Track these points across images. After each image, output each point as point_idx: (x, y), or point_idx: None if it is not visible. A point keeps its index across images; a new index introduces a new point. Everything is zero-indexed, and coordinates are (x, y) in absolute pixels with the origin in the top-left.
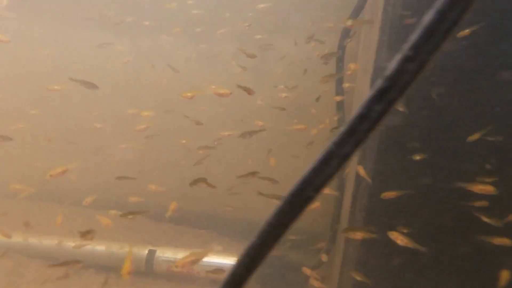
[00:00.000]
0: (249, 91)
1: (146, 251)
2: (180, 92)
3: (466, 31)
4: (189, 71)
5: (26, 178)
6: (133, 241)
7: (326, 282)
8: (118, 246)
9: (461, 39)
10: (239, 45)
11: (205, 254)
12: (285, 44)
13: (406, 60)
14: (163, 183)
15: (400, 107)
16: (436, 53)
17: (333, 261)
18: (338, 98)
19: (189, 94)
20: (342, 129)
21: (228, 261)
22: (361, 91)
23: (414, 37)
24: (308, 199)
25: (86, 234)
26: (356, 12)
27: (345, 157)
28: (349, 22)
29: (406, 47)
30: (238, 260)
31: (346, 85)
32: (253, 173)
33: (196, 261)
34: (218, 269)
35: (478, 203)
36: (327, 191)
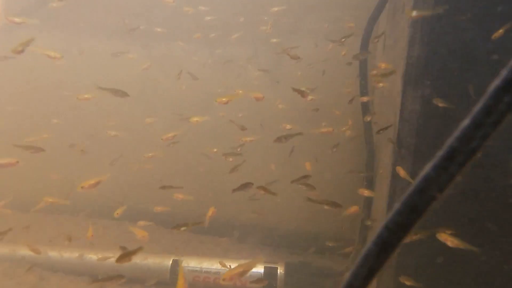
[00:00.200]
0: (303, 94)
1: (170, 261)
2: (197, 98)
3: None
4: (206, 77)
5: (46, 190)
6: (154, 251)
7: None
8: (141, 257)
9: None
10: (255, 49)
11: (252, 266)
12: (301, 46)
13: None
14: (183, 191)
15: (440, 102)
16: None
17: None
18: (365, 99)
19: (224, 99)
20: (466, 122)
21: (252, 269)
22: (390, 90)
23: None
24: (431, 200)
25: (131, 253)
26: (378, 11)
27: (472, 153)
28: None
29: None
30: (353, 270)
31: (380, 84)
32: (305, 177)
33: (244, 273)
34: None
35: None
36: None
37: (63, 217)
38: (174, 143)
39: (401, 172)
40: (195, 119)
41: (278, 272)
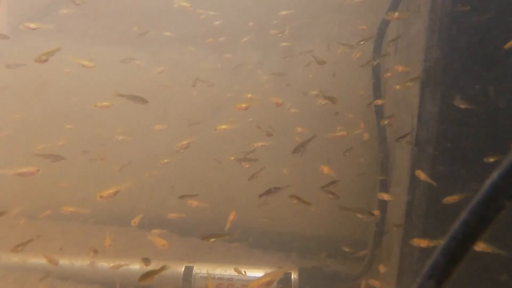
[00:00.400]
0: (332, 100)
1: (183, 268)
2: (207, 103)
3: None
4: (215, 82)
5: (54, 198)
6: (166, 258)
7: None
8: (153, 264)
9: None
10: (264, 54)
11: (279, 274)
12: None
13: None
14: (197, 197)
15: (461, 103)
16: None
17: (381, 269)
18: (379, 102)
19: (243, 105)
20: None
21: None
22: (404, 93)
23: None
24: (499, 209)
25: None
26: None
27: None
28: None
29: None
30: (420, 281)
31: (397, 86)
32: (334, 182)
33: (271, 282)
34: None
35: None
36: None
37: (71, 225)
38: (184, 150)
39: (422, 175)
40: (222, 126)
41: (292, 277)
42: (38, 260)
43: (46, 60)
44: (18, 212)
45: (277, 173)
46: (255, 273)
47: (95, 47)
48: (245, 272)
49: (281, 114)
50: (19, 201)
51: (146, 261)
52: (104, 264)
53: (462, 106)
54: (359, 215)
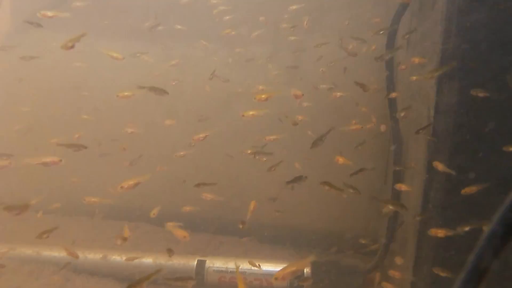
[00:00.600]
0: (364, 88)
1: (195, 262)
2: (218, 98)
3: None
4: (226, 77)
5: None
6: (178, 252)
7: (395, 283)
8: (165, 258)
9: None
10: (273, 48)
11: (304, 265)
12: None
13: None
14: (211, 190)
15: (480, 92)
16: None
17: (397, 261)
18: (394, 95)
19: (263, 96)
20: None
21: (278, 268)
22: (419, 85)
23: None
24: None
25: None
26: (404, 7)
27: None
28: None
29: None
30: (478, 251)
31: (413, 78)
32: (362, 170)
33: (297, 271)
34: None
35: None
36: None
37: (80, 219)
38: (198, 143)
39: (440, 166)
40: (250, 113)
41: (305, 271)
42: (53, 253)
43: (72, 47)
44: (33, 206)
45: (290, 167)
46: (267, 267)
47: (105, 41)
48: (259, 265)
49: (293, 108)
50: (30, 195)
51: (170, 251)
52: (117, 258)
53: (481, 95)
54: (390, 207)
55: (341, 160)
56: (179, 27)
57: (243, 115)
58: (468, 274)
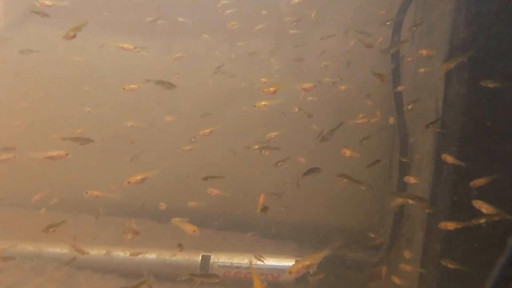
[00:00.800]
0: (382, 78)
1: (200, 257)
2: (221, 93)
3: None
4: (229, 71)
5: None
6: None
7: (402, 277)
8: (169, 253)
9: None
10: (276, 42)
11: (317, 259)
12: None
13: None
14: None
15: (490, 83)
16: None
17: (406, 254)
18: (400, 88)
19: (271, 89)
20: None
21: (283, 263)
22: (425, 77)
23: None
24: None
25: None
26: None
27: None
28: None
29: None
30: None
31: (421, 70)
32: (378, 161)
33: (311, 265)
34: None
35: None
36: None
37: (82, 216)
38: (193, 140)
39: (449, 158)
40: (262, 103)
41: None
42: (55, 249)
43: (74, 36)
44: (35, 202)
45: (294, 161)
46: (271, 262)
47: (105, 35)
48: (262, 259)
49: (296, 102)
50: (32, 192)
51: (180, 246)
52: (120, 254)
53: (491, 86)
54: (411, 201)
55: (348, 152)
56: (181, 19)
57: (254, 106)
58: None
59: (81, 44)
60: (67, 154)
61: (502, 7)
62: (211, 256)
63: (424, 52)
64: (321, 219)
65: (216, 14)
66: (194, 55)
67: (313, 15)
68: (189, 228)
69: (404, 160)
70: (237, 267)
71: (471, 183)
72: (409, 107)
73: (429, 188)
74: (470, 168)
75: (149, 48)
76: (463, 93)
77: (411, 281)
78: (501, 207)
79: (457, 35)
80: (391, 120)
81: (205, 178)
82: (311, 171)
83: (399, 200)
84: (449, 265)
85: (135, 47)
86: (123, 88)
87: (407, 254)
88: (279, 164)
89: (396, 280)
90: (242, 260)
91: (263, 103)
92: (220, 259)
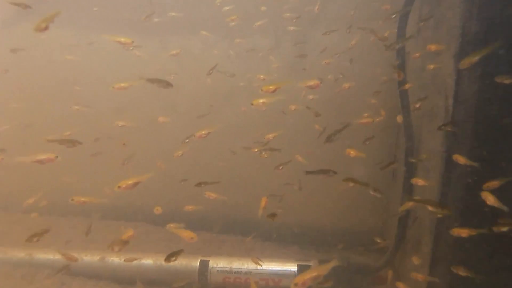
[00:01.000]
0: (399, 74)
1: (198, 262)
2: (219, 92)
3: None
4: (228, 70)
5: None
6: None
7: (410, 283)
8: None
9: None
10: (275, 39)
11: (325, 270)
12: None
13: None
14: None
15: (505, 79)
16: None
17: (410, 260)
18: (407, 86)
19: (271, 87)
20: None
21: (285, 267)
22: (433, 74)
23: None
24: None
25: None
26: None
27: None
28: None
29: None
30: None
31: (431, 66)
32: (392, 163)
33: (318, 277)
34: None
35: None
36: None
37: (77, 220)
38: (186, 142)
39: (461, 159)
40: (260, 100)
41: None
42: (47, 255)
43: (46, 28)
44: (26, 207)
45: (296, 162)
46: (272, 266)
47: (98, 34)
48: (260, 261)
49: (296, 101)
50: (23, 196)
51: (176, 255)
52: (115, 260)
53: (507, 82)
54: (430, 208)
55: (353, 153)
56: (173, 14)
57: (252, 104)
58: None
59: (74, 42)
60: (57, 157)
61: None
62: (210, 261)
63: (432, 47)
64: (324, 221)
65: (214, 10)
66: (190, 53)
67: (316, 7)
68: (187, 235)
69: (411, 160)
70: (237, 272)
71: (485, 186)
72: (417, 105)
73: (438, 190)
74: (483, 169)
75: (144, 46)
76: (475, 90)
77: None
78: None
79: (469, 28)
80: (399, 118)
81: (198, 184)
82: (319, 172)
83: (409, 204)
84: (460, 273)
85: (133, 42)
86: (113, 87)
87: (415, 260)
88: (280, 167)
89: (402, 286)
90: (242, 265)
91: (261, 100)
92: (219, 264)
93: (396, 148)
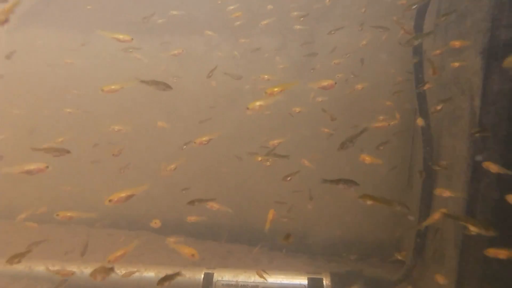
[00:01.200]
0: (435, 71)
1: (202, 275)
2: (223, 95)
3: None
4: (233, 71)
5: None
6: (183, 264)
7: None
8: (168, 271)
9: None
10: (282, 39)
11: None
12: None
13: None
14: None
15: None
16: None
17: (439, 279)
18: (427, 86)
19: (275, 89)
20: None
21: (294, 281)
22: (456, 72)
23: None
24: None
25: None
26: None
27: None
28: None
29: None
30: None
31: (456, 64)
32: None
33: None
34: None
35: None
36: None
37: (79, 228)
38: (184, 148)
39: (493, 167)
40: (257, 103)
41: (324, 283)
42: (45, 269)
43: (7, 21)
44: (25, 217)
45: (306, 169)
46: (281, 279)
47: (96, 36)
48: (267, 274)
49: (302, 104)
50: (22, 205)
51: (179, 273)
52: (117, 272)
53: None
54: (471, 228)
55: (368, 159)
56: (174, 12)
57: (248, 108)
58: None
59: (73, 45)
60: (47, 166)
61: None
62: (215, 274)
63: (456, 43)
64: (335, 231)
65: (218, 9)
66: (193, 54)
67: (302, 17)
68: (187, 251)
69: (431, 167)
70: (243, 286)
71: None
72: (438, 107)
73: (464, 200)
74: None
75: (145, 48)
76: (507, 89)
77: None
78: None
79: (498, 23)
80: (420, 121)
81: (191, 203)
82: (344, 182)
83: (436, 217)
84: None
85: (132, 39)
86: (102, 90)
87: (439, 278)
88: (288, 179)
89: None
90: (248, 278)
91: (257, 103)
92: (224, 276)
93: (412, 152)
